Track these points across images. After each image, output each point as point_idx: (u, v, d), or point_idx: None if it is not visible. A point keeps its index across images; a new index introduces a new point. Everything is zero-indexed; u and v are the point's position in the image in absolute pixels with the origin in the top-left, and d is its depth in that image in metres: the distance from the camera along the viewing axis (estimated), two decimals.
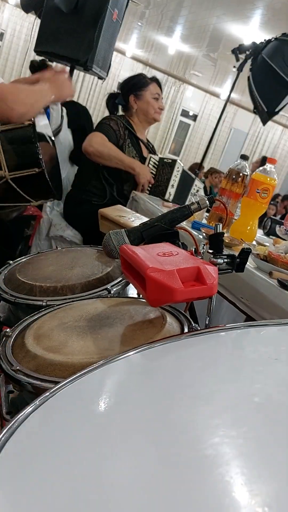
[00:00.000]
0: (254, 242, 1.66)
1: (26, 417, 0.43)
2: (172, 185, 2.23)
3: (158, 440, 0.38)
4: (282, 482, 0.33)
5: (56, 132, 2.15)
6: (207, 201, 0.94)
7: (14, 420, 0.42)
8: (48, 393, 0.47)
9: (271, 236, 2.08)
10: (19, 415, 0.43)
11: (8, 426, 0.41)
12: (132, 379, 0.50)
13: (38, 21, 2.39)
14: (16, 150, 1.44)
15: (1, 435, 0.40)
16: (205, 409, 0.41)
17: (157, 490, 0.33)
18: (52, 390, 0.47)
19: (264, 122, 3.56)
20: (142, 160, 2.28)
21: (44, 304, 0.83)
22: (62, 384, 0.47)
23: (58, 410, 0.44)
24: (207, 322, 0.78)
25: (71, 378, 0.48)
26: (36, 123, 1.40)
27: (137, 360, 0.52)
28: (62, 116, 2.20)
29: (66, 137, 2.28)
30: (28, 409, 0.44)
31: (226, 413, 0.40)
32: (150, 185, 2.23)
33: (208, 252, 0.77)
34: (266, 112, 3.44)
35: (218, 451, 0.35)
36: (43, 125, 1.56)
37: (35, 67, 2.42)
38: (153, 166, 2.25)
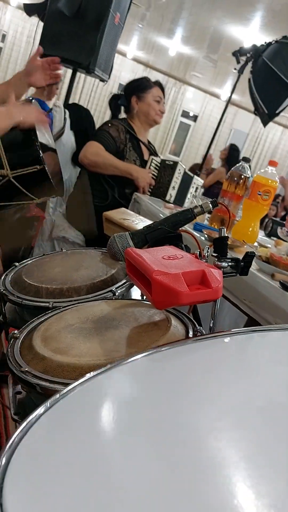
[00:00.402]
0: (255, 244, 1.67)
1: (37, 418, 0.44)
2: (173, 187, 2.24)
3: (164, 442, 0.39)
4: (285, 483, 0.34)
5: (59, 135, 2.16)
6: (210, 205, 0.95)
7: (26, 422, 0.43)
8: (58, 396, 0.48)
9: (272, 237, 2.09)
10: (31, 417, 0.44)
11: (20, 428, 0.42)
12: (139, 382, 0.51)
13: (41, 23, 2.41)
14: (17, 149, 1.46)
15: (14, 436, 0.42)
16: (209, 412, 0.42)
17: (162, 491, 0.34)
18: (62, 393, 0.48)
19: (265, 124, 3.57)
20: (143, 163, 2.29)
21: (50, 306, 0.85)
22: (71, 387, 0.49)
23: (68, 412, 0.46)
24: (211, 325, 0.80)
25: (81, 381, 0.50)
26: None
27: (144, 364, 0.54)
28: (65, 119, 2.22)
29: (68, 139, 2.29)
30: (40, 410, 0.45)
31: (229, 416, 0.41)
32: (152, 187, 2.25)
33: (212, 255, 0.78)
34: (266, 114, 3.45)
35: (221, 454, 0.36)
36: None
37: None
38: (155, 168, 2.26)
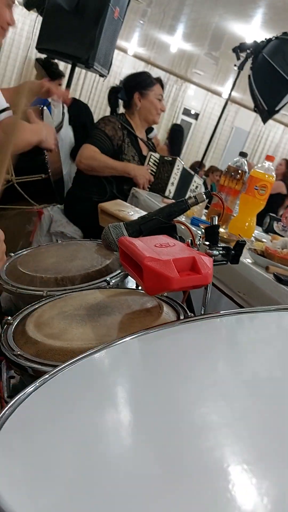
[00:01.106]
0: (252, 238, 1.68)
1: (26, 396, 0.45)
2: (172, 183, 2.25)
3: (152, 413, 0.40)
4: (263, 444, 0.35)
5: (58, 129, 2.17)
6: (204, 196, 0.96)
7: (16, 398, 0.44)
8: (47, 375, 0.49)
9: (269, 233, 2.10)
10: (20, 394, 0.45)
11: (10, 404, 0.43)
12: (129, 361, 0.53)
13: (40, 18, 2.41)
14: (24, 156, 1.47)
15: (3, 411, 0.43)
16: (196, 385, 0.43)
17: (151, 456, 0.35)
18: (52, 372, 0.49)
19: (265, 120, 3.57)
20: (142, 158, 2.30)
21: (44, 294, 0.86)
22: (61, 367, 0.50)
23: (58, 390, 0.47)
24: (202, 312, 0.81)
25: (71, 361, 0.51)
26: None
27: (133, 344, 0.55)
28: (63, 113, 2.22)
29: (67, 134, 2.30)
30: (29, 389, 0.46)
31: (215, 388, 0.42)
32: (150, 183, 2.25)
33: (204, 244, 0.79)
34: (266, 111, 3.45)
35: (207, 419, 0.37)
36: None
37: (41, 65, 2.44)
38: (154, 164, 2.27)
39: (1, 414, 0.41)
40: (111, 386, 0.47)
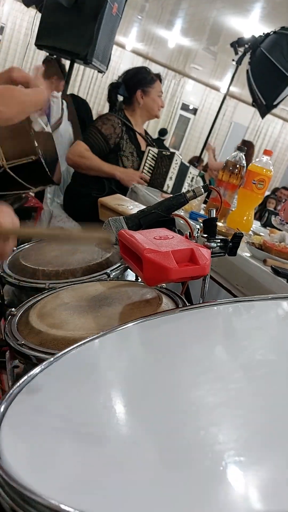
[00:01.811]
0: (250, 232, 1.70)
1: (33, 377, 0.48)
2: (171, 177, 2.26)
3: (150, 393, 0.42)
4: (259, 423, 0.38)
5: (57, 125, 2.18)
6: (202, 189, 0.98)
7: (23, 379, 0.47)
8: (52, 359, 0.51)
9: (268, 228, 2.12)
10: (27, 375, 0.47)
11: (18, 384, 0.45)
12: (129, 346, 0.55)
13: (39, 15, 2.42)
14: (12, 140, 1.48)
15: (11, 390, 0.45)
16: (194, 368, 0.45)
17: (150, 434, 0.37)
18: (57, 356, 0.51)
19: (263, 115, 3.59)
20: (141, 154, 2.31)
21: (46, 286, 0.88)
22: (66, 350, 0.52)
23: (62, 372, 0.49)
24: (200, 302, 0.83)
25: (74, 346, 0.53)
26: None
27: (133, 330, 0.57)
28: (62, 109, 2.24)
29: (66, 129, 2.31)
30: (35, 370, 0.48)
31: (212, 371, 0.44)
32: (149, 178, 2.27)
33: (202, 236, 0.81)
34: (264, 106, 3.47)
35: (204, 401, 0.39)
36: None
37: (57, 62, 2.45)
38: (152, 159, 2.28)
39: (9, 393, 0.44)
40: (112, 369, 0.49)
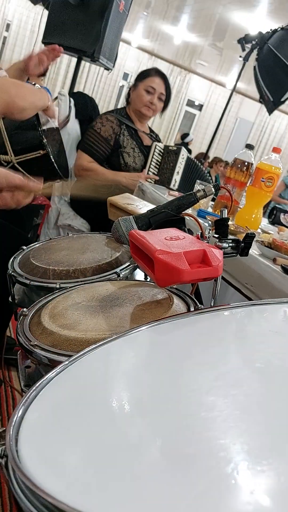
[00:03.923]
0: (258, 230, 1.69)
1: (49, 381, 0.48)
2: (178, 172, 2.25)
3: (165, 398, 0.42)
4: (275, 429, 0.37)
5: (65, 123, 2.18)
6: (212, 189, 0.97)
7: (39, 382, 0.47)
8: (67, 362, 0.51)
9: (276, 225, 2.11)
10: (43, 379, 0.47)
11: (35, 386, 0.45)
12: (143, 349, 0.55)
13: (45, 12, 2.42)
14: (20, 135, 1.48)
15: (28, 394, 0.45)
16: (209, 374, 0.45)
17: (166, 441, 0.37)
18: (71, 359, 0.51)
19: (270, 111, 3.57)
20: (144, 149, 2.30)
21: (57, 286, 0.88)
22: (80, 354, 0.52)
23: (78, 375, 0.49)
24: (212, 304, 0.82)
25: (89, 349, 0.53)
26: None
27: (147, 334, 0.57)
28: (70, 107, 2.23)
29: (73, 127, 2.31)
30: (51, 374, 0.48)
31: (229, 375, 0.44)
32: (156, 173, 2.26)
33: (213, 236, 0.81)
34: (272, 102, 3.45)
35: (219, 407, 0.39)
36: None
37: None
38: (159, 154, 2.27)
39: (27, 396, 0.44)
40: (126, 373, 0.49)
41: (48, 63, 1.58)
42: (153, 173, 2.25)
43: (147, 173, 2.24)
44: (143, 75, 2.28)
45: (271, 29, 3.34)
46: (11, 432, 0.38)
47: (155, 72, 2.30)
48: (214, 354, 0.49)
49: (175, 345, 0.54)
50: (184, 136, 7.38)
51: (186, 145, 6.01)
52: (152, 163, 2.25)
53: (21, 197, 0.96)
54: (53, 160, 1.49)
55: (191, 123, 10.75)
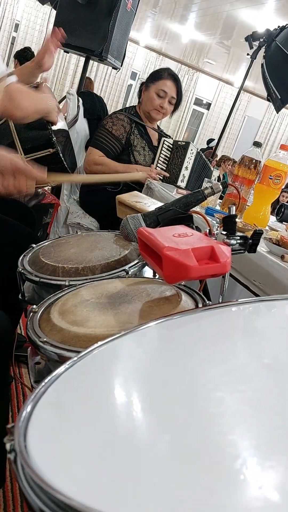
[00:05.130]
0: (266, 228, 1.69)
1: (58, 376, 0.48)
2: (186, 167, 2.24)
3: (174, 394, 0.43)
4: (283, 424, 0.38)
5: (73, 122, 2.19)
6: (220, 186, 0.98)
7: (48, 378, 0.47)
8: (76, 358, 0.52)
9: (284, 222, 2.10)
10: (52, 374, 0.48)
11: (44, 383, 0.46)
12: (152, 345, 0.55)
13: (53, 12, 2.43)
14: (30, 134, 1.50)
15: (37, 389, 0.46)
16: (217, 369, 0.46)
17: (173, 437, 0.38)
18: (80, 355, 0.52)
19: (278, 109, 3.54)
20: (153, 148, 2.30)
21: (67, 284, 0.89)
22: (89, 349, 0.53)
23: (87, 371, 0.50)
24: (220, 301, 0.83)
25: (98, 344, 0.53)
26: None
27: (156, 330, 0.57)
28: (78, 106, 2.24)
29: (82, 126, 2.32)
30: (60, 369, 0.49)
31: (237, 371, 0.44)
32: (164, 169, 2.26)
33: (221, 233, 0.81)
34: (279, 100, 3.42)
35: (228, 402, 0.39)
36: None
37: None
38: (167, 149, 2.27)
39: (36, 392, 0.44)
40: (134, 369, 0.50)
41: (56, 50, 1.58)
42: (162, 169, 2.25)
43: (155, 168, 2.24)
44: (156, 77, 2.26)
45: (278, 26, 3.32)
46: (20, 428, 0.39)
47: (168, 74, 2.27)
48: (222, 350, 0.50)
49: (184, 341, 0.54)
50: (209, 141, 7.40)
51: (211, 149, 6.02)
52: (161, 158, 2.24)
53: (24, 184, 0.97)
54: (62, 158, 1.50)
55: (199, 121, 10.73)
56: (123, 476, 0.33)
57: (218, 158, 7.08)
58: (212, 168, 2.40)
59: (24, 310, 1.06)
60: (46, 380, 0.47)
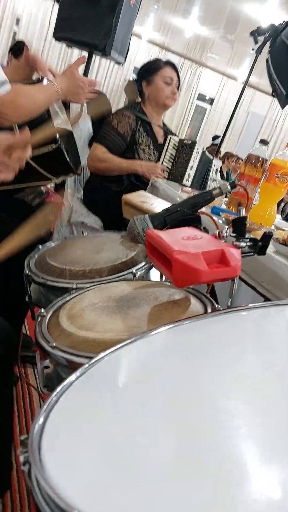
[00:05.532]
0: (272, 227, 1.68)
1: (69, 385, 0.48)
2: (192, 167, 2.23)
3: (184, 401, 0.42)
4: None
5: (76, 119, 2.17)
6: (228, 186, 0.96)
7: (60, 387, 0.47)
8: (87, 365, 0.51)
9: None
10: (63, 383, 0.47)
11: (56, 392, 0.45)
12: (163, 351, 0.54)
13: (55, 6, 2.41)
14: (32, 130, 1.48)
15: (49, 399, 0.45)
16: (227, 376, 0.45)
17: (181, 444, 0.37)
18: (91, 362, 0.51)
19: (283, 105, 3.52)
20: (158, 146, 2.29)
21: (74, 286, 0.88)
22: (100, 356, 0.52)
23: (98, 378, 0.49)
24: (229, 304, 0.82)
25: (108, 352, 0.53)
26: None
27: (166, 336, 0.57)
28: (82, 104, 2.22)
29: (85, 123, 2.31)
30: (72, 378, 0.48)
31: (247, 378, 0.44)
32: (169, 168, 2.24)
33: (231, 235, 0.80)
34: (284, 95, 3.40)
35: (238, 409, 0.39)
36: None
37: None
38: (173, 148, 2.26)
39: (48, 402, 0.44)
40: (145, 376, 0.49)
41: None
42: (167, 167, 2.24)
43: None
44: (155, 67, 2.27)
45: (283, 21, 3.28)
46: (34, 441, 0.38)
47: (164, 62, 2.30)
48: (233, 358, 0.49)
49: (194, 347, 0.54)
50: (215, 137, 7.37)
51: (216, 146, 5.99)
52: (166, 156, 2.23)
53: (20, 154, 0.98)
54: (65, 154, 1.49)
55: (202, 117, 10.67)
56: (141, 493, 0.33)
57: (221, 155, 7.05)
58: (211, 157, 2.38)
59: (31, 311, 1.05)
60: (58, 390, 0.46)
